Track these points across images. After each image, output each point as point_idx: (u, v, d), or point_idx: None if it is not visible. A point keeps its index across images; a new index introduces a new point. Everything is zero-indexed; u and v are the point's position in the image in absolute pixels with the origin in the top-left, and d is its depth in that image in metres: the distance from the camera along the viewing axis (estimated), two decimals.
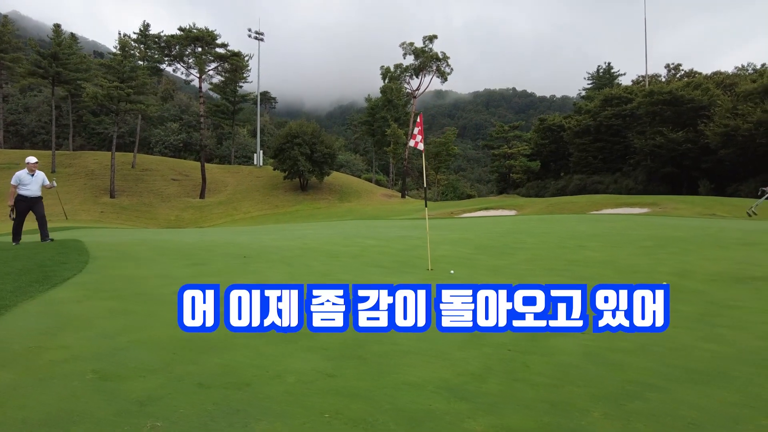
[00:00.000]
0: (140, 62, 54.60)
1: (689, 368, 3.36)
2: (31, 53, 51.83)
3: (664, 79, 62.93)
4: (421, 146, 8.06)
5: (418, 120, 8.22)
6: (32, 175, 10.21)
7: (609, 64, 69.73)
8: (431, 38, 56.08)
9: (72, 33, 58.15)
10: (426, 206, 9.22)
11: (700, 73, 58.33)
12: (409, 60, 57.35)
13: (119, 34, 50.08)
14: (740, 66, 60.38)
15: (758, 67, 56.19)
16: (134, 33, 57.07)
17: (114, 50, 51.64)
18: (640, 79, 62.85)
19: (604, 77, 68.25)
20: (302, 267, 7.95)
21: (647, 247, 10.97)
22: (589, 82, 70.80)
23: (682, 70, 63.99)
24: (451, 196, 71.62)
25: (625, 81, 67.52)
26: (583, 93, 71.05)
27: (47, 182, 10.61)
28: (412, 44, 56.17)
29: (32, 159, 10.41)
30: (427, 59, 56.62)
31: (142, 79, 46.54)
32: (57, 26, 52.05)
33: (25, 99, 75.38)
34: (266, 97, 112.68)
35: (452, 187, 78.97)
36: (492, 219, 28.32)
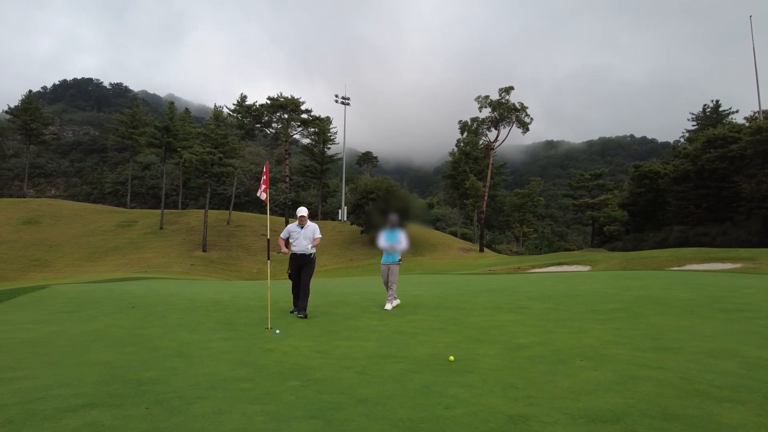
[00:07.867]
0: (237, 129, 60.88)
1: None
2: (150, 128, 60.45)
3: None
4: (263, 196, 7.80)
5: (264, 169, 8.01)
6: (301, 227, 8.46)
7: (717, 102, 62.74)
8: (507, 90, 55.39)
9: (186, 108, 66.93)
10: (269, 268, 8.64)
11: None
12: (486, 113, 56.95)
13: (215, 105, 57.03)
14: None
15: None
16: (233, 104, 64.38)
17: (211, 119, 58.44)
18: (755, 115, 55.49)
19: (712, 117, 61.42)
20: (156, 317, 7.93)
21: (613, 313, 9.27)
22: (694, 123, 64.21)
23: None
24: (546, 250, 67.84)
25: (738, 119, 60.08)
26: (687, 135, 64.50)
27: (318, 234, 8.55)
28: (487, 97, 55.87)
29: (303, 210, 8.55)
30: (504, 111, 55.78)
31: (231, 144, 51.73)
32: (171, 104, 60.41)
33: (163, 165, 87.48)
34: (368, 157, 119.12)
35: (547, 240, 75.02)
36: (536, 276, 26.05)
